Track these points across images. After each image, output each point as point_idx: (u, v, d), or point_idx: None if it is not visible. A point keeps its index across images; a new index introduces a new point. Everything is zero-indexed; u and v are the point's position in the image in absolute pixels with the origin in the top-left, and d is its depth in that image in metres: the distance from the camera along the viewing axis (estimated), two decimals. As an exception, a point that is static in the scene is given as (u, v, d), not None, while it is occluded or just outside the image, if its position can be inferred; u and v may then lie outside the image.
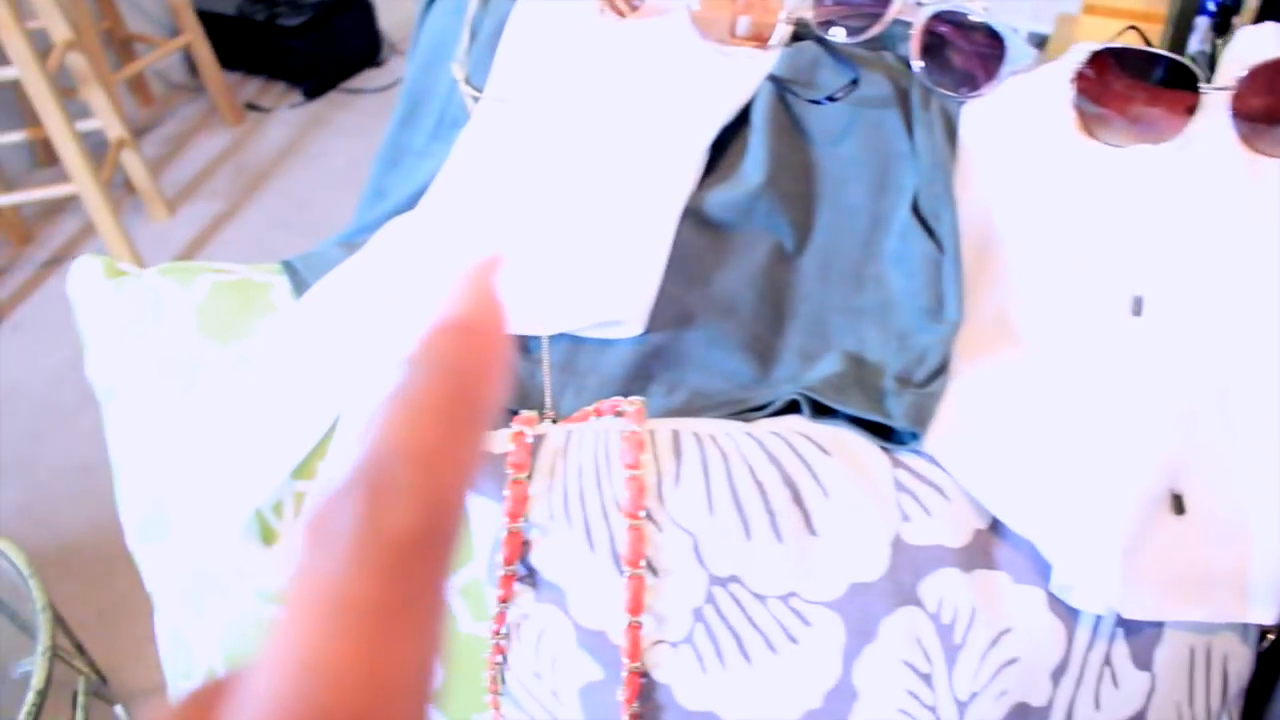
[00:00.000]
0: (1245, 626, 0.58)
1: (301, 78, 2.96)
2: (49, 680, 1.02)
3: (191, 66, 2.93)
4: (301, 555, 0.17)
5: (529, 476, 0.55)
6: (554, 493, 0.55)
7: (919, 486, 0.56)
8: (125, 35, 2.71)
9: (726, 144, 0.72)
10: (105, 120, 2.24)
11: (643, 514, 0.54)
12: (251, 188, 2.58)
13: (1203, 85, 0.63)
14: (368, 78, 3.07)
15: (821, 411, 0.60)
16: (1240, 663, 0.58)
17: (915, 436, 0.57)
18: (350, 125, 2.84)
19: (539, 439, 0.56)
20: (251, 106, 2.92)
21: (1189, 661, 0.56)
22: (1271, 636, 0.59)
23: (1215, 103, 0.64)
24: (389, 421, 0.18)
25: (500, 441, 0.56)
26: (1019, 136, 0.69)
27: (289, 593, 0.17)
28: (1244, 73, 0.63)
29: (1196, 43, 1.37)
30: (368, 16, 3.09)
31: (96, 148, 2.25)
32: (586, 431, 0.57)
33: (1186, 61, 0.64)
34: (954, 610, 0.54)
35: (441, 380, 0.18)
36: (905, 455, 0.58)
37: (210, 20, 2.76)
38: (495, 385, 0.19)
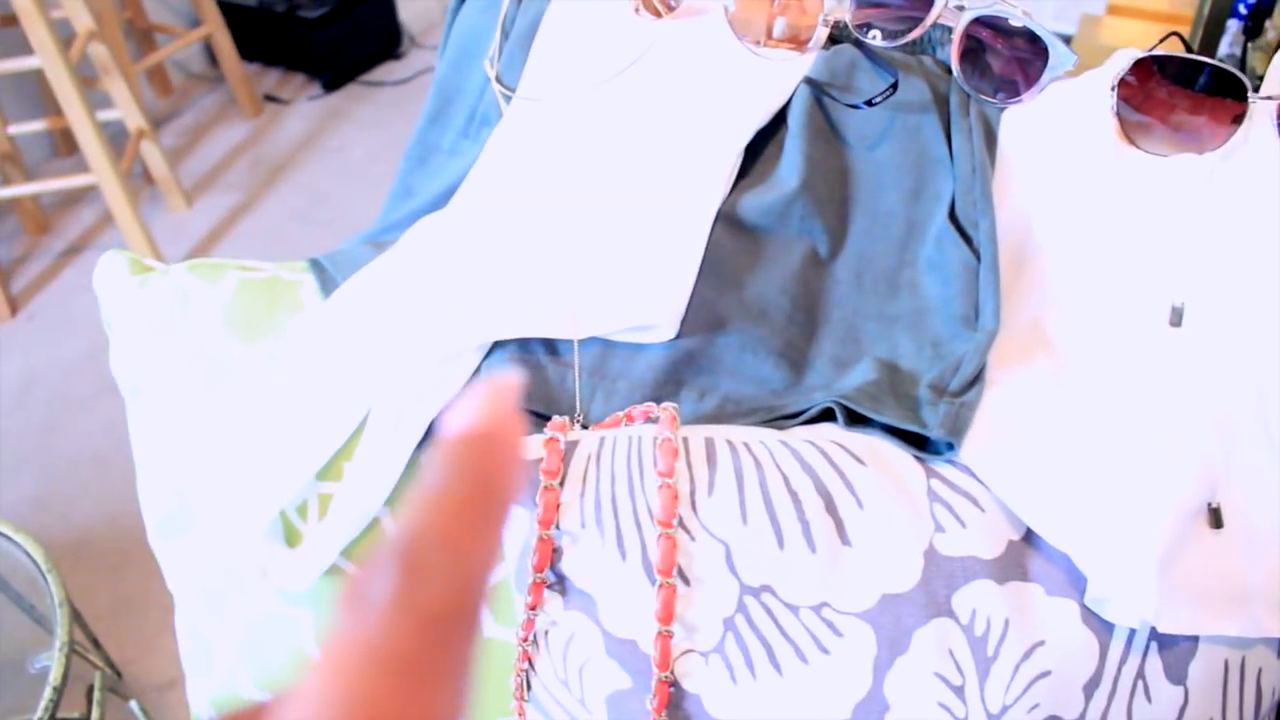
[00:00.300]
0: (1278, 640, 0.57)
1: (321, 70, 2.96)
2: (66, 676, 1.02)
3: (211, 57, 2.93)
4: (340, 616, 0.19)
5: (561, 483, 0.54)
6: (586, 500, 0.54)
7: (953, 497, 0.55)
8: (146, 25, 2.71)
9: (762, 147, 0.71)
10: (125, 110, 2.24)
11: (675, 523, 0.53)
12: (269, 180, 2.57)
13: (1251, 95, 0.63)
14: (387, 70, 3.06)
15: (855, 420, 0.59)
16: (1274, 676, 0.57)
17: (951, 447, 0.57)
18: (369, 118, 2.83)
19: (571, 445, 0.56)
20: (270, 98, 2.92)
21: (1223, 675, 0.55)
22: (1305, 652, 0.58)
23: (1261, 112, 0.63)
24: (420, 511, 0.20)
25: (534, 447, 0.55)
26: (1059, 143, 0.68)
27: (326, 646, 0.18)
28: (1289, 82, 0.62)
29: (1226, 45, 1.37)
30: (388, 9, 3.09)
31: (116, 138, 2.25)
32: (620, 438, 0.56)
33: (1235, 70, 0.63)
34: (987, 622, 0.53)
35: (465, 481, 0.21)
36: (940, 465, 0.57)
37: (231, 11, 2.76)
38: (510, 487, 0.21)
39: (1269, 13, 1.23)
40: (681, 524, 0.53)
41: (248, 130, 2.78)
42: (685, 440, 0.55)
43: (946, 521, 0.55)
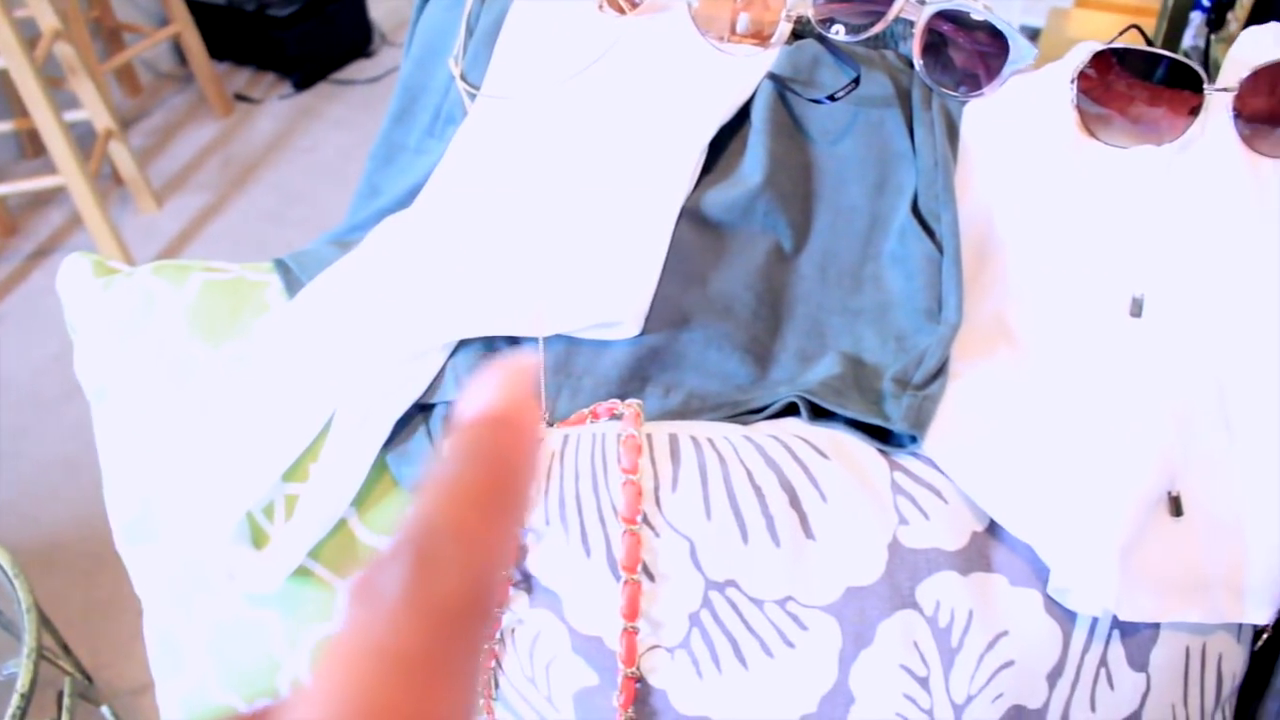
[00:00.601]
0: (1240, 626, 0.58)
1: (291, 68, 2.95)
2: (34, 683, 1.01)
3: (181, 57, 2.92)
4: (349, 610, 0.18)
5: (525, 480, 0.54)
6: (550, 497, 0.54)
7: (916, 489, 0.56)
8: (114, 24, 2.69)
9: (726, 143, 0.71)
10: (93, 111, 2.23)
11: (640, 519, 0.53)
12: (240, 180, 2.56)
13: (1206, 86, 0.63)
14: (359, 68, 3.05)
15: (819, 414, 0.59)
16: (1235, 662, 0.58)
17: (914, 439, 0.57)
18: (341, 117, 2.82)
19: (535, 442, 0.56)
20: (241, 97, 2.91)
21: (1184, 662, 0.56)
22: (1266, 635, 0.59)
23: (1217, 104, 0.64)
24: (434, 500, 0.19)
25: (497, 445, 0.55)
26: (1020, 136, 0.68)
27: (334, 641, 0.18)
28: (1246, 74, 0.63)
29: (1190, 37, 1.37)
30: (359, 7, 3.08)
31: (84, 138, 2.24)
32: (584, 435, 0.56)
33: (1191, 62, 0.63)
34: (951, 613, 0.54)
35: (482, 468, 0.20)
36: (903, 458, 0.57)
37: (200, 10, 2.75)
38: (528, 474, 0.21)
39: (1231, 5, 1.24)
40: (646, 520, 0.54)
41: (218, 130, 2.77)
42: (649, 436, 0.56)
43: (910, 514, 0.55)
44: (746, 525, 0.54)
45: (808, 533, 0.54)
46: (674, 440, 0.56)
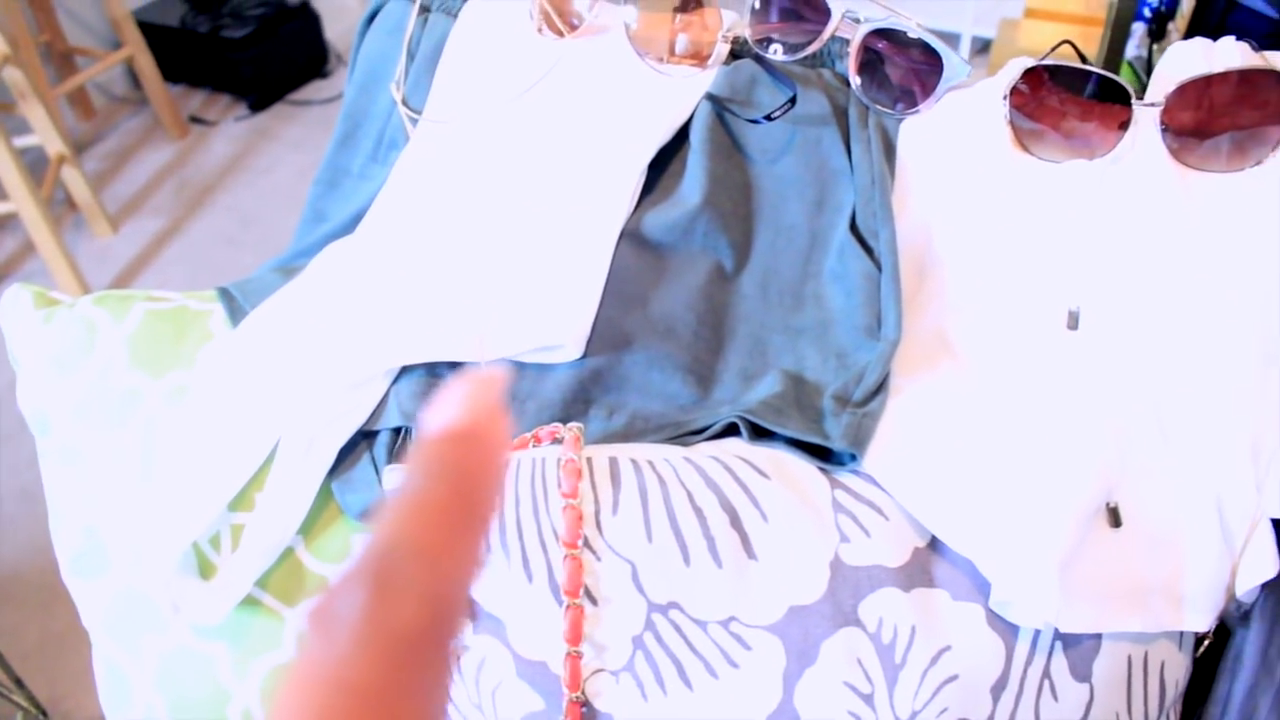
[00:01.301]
0: (1181, 634, 0.58)
1: (247, 90, 2.94)
2: (-13, 717, 1.00)
3: (134, 80, 2.90)
4: (306, 639, 0.18)
5: (466, 507, 0.54)
6: (492, 524, 0.54)
7: (857, 507, 0.56)
8: (65, 48, 2.67)
9: (666, 164, 0.72)
10: (44, 136, 2.21)
11: (580, 543, 0.53)
12: (196, 202, 2.55)
13: (1134, 102, 0.64)
14: (314, 89, 3.05)
15: (760, 433, 0.60)
16: (1177, 669, 0.58)
17: (854, 457, 0.57)
18: (297, 137, 2.81)
19: (476, 468, 0.56)
20: (196, 120, 2.90)
21: (1126, 671, 0.56)
22: (1207, 642, 0.59)
23: (1146, 118, 0.65)
24: (395, 520, 0.19)
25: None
26: (956, 152, 0.69)
27: (291, 671, 0.17)
28: (1172, 89, 0.64)
29: (1133, 48, 1.39)
30: (314, 27, 3.07)
31: (36, 164, 2.23)
32: (524, 460, 0.56)
33: (1118, 78, 0.64)
34: (894, 630, 0.54)
35: (445, 484, 0.19)
36: (844, 475, 0.58)
37: (153, 32, 2.73)
38: (495, 490, 0.20)
39: (1171, 15, 1.26)
40: (587, 544, 0.54)
41: (173, 152, 2.75)
42: (589, 460, 0.56)
43: (851, 531, 0.55)
44: (688, 547, 0.54)
45: (749, 553, 0.54)
46: (614, 463, 0.56)
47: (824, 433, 0.57)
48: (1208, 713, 0.60)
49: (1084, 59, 0.70)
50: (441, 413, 0.20)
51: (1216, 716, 0.60)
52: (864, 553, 0.55)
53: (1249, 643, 0.59)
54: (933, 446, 0.58)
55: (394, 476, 0.55)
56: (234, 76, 2.93)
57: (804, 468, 0.57)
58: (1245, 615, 0.59)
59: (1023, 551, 0.54)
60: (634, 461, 0.56)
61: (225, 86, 2.99)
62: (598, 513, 0.54)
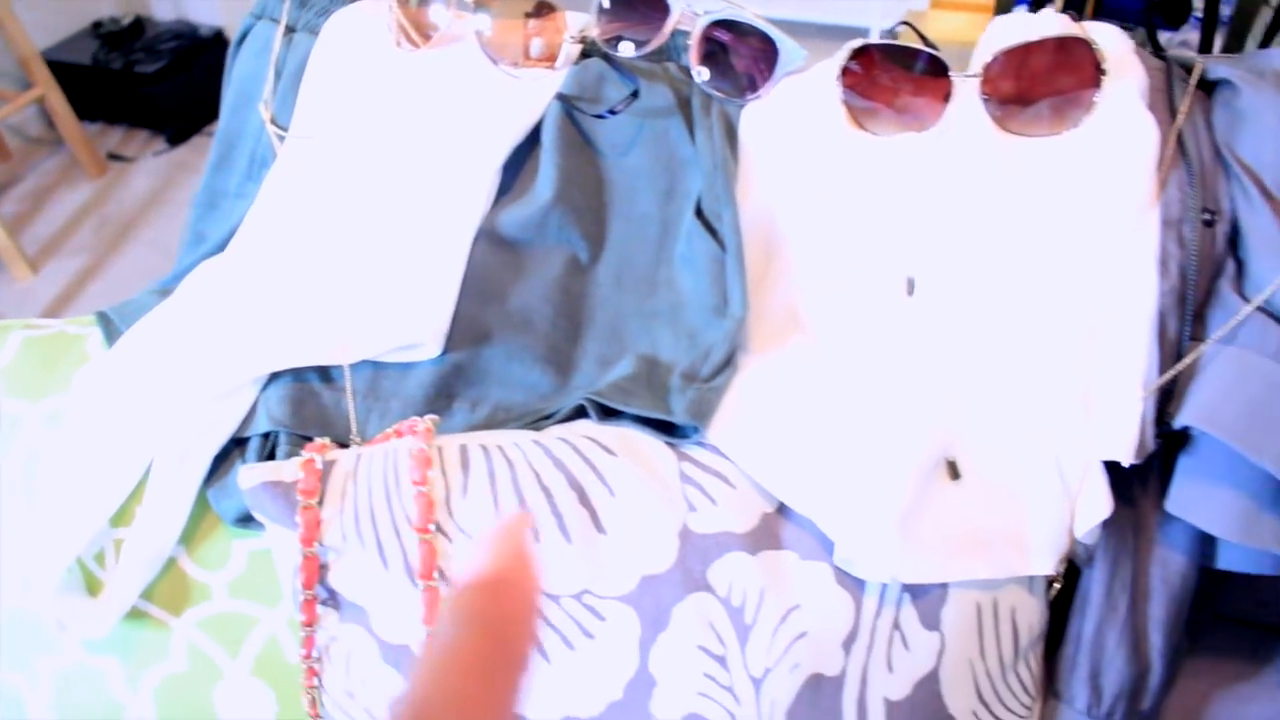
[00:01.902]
0: (1031, 579, 0.60)
1: (164, 124, 2.92)
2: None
3: (48, 119, 2.88)
4: None
5: (320, 502, 0.56)
6: (345, 515, 0.56)
7: (704, 477, 0.58)
8: (-27, 92, 2.65)
9: (521, 164, 0.74)
10: (-44, 181, 2.20)
11: (433, 527, 0.55)
12: (117, 240, 2.54)
13: (953, 73, 0.67)
14: (232, 120, 3.03)
15: (614, 413, 0.62)
16: (1030, 614, 0.60)
17: (699, 430, 0.60)
18: (216, 169, 2.80)
19: (329, 465, 0.57)
20: (114, 156, 2.88)
21: (977, 618, 0.59)
22: (1057, 585, 0.62)
23: (968, 89, 0.68)
24: (430, 672, 0.19)
25: (290, 470, 0.57)
26: (795, 134, 0.72)
27: None
28: (989, 59, 0.67)
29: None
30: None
31: (-50, 210, 2.21)
32: (376, 454, 0.58)
33: (936, 53, 0.67)
34: (743, 592, 0.56)
35: (478, 635, 0.19)
36: (691, 449, 0.60)
37: (64, 71, 2.72)
38: (529, 635, 0.20)
39: (1050, -1, 1.29)
40: (439, 528, 0.56)
41: (92, 191, 2.74)
42: (439, 449, 0.58)
43: (698, 501, 0.57)
44: (538, 524, 0.56)
45: (599, 527, 0.56)
46: (464, 450, 0.58)
47: (668, 408, 0.60)
48: (1063, 652, 0.62)
49: (925, 40, 0.73)
50: (470, 561, 0.21)
51: (1071, 655, 0.62)
52: (711, 520, 0.57)
53: (1094, 581, 0.61)
54: (776, 415, 0.60)
55: (249, 475, 0.57)
56: (150, 111, 2.91)
57: (652, 443, 0.59)
58: (1091, 557, 0.61)
59: (862, 509, 0.56)
60: (484, 447, 0.58)
61: (142, 122, 2.98)
62: (448, 497, 0.56)
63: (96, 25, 2.97)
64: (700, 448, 0.60)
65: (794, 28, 0.76)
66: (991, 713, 0.60)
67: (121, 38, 2.92)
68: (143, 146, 2.93)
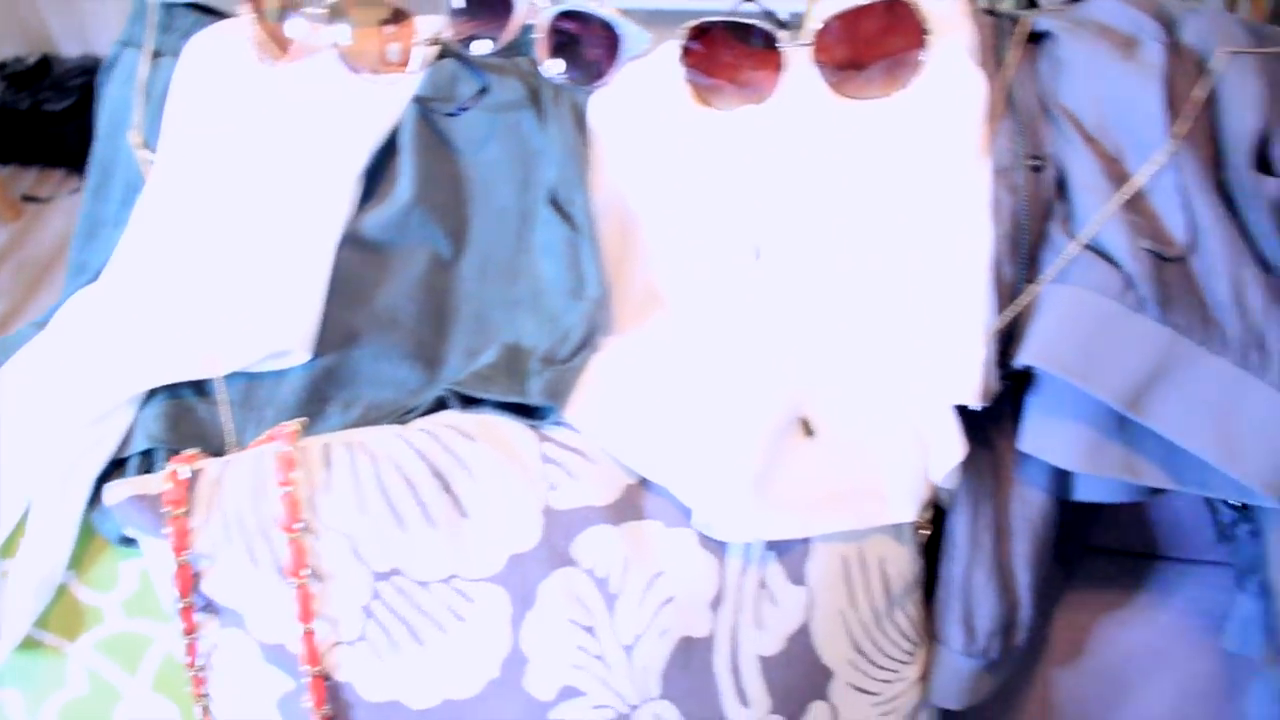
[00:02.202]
0: (899, 528, 0.62)
1: (78, 161, 2.87)
2: None
3: (-41, 167, 2.85)
4: None
5: (187, 511, 0.57)
6: (214, 521, 0.57)
7: (564, 455, 0.60)
8: (-122, 144, 2.62)
9: (383, 169, 0.75)
10: None
11: (299, 526, 0.57)
12: (37, 282, 2.50)
13: (781, 43, 0.69)
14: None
15: (479, 401, 0.63)
16: (901, 562, 0.62)
17: (555, 409, 0.61)
18: (135, 202, 2.78)
19: (196, 474, 0.59)
20: (29, 198, 2.85)
21: (844, 570, 0.60)
22: (924, 532, 0.63)
23: (800, 57, 0.70)
24: None
25: (156, 483, 0.58)
26: (644, 116, 0.74)
27: None
28: (820, 26, 0.69)
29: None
30: (138, 90, 3.04)
31: None
32: (242, 459, 0.59)
33: (765, 25, 0.69)
34: (608, 564, 0.58)
35: None
36: (552, 429, 0.61)
37: (-30, 116, 2.69)
38: None
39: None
40: (306, 526, 0.57)
41: (7, 235, 2.69)
42: (304, 449, 0.59)
43: (558, 479, 0.59)
44: (401, 514, 0.57)
45: (462, 512, 0.58)
46: (327, 449, 0.59)
47: (524, 391, 0.61)
48: (937, 597, 0.64)
49: (770, 14, 0.75)
50: None
51: (944, 598, 0.64)
52: (573, 496, 0.59)
53: (958, 525, 0.63)
54: (631, 390, 0.62)
55: (115, 491, 0.58)
56: (62, 149, 2.87)
57: (512, 426, 0.61)
58: (954, 501, 0.63)
59: (715, 472, 0.58)
60: (347, 444, 0.60)
61: (55, 161, 2.93)
62: (313, 495, 0.58)
63: (1, 66, 2.94)
64: (561, 427, 0.61)
65: (655, 16, 0.78)
66: (871, 660, 0.61)
67: (28, 77, 2.88)
68: (58, 186, 2.90)
